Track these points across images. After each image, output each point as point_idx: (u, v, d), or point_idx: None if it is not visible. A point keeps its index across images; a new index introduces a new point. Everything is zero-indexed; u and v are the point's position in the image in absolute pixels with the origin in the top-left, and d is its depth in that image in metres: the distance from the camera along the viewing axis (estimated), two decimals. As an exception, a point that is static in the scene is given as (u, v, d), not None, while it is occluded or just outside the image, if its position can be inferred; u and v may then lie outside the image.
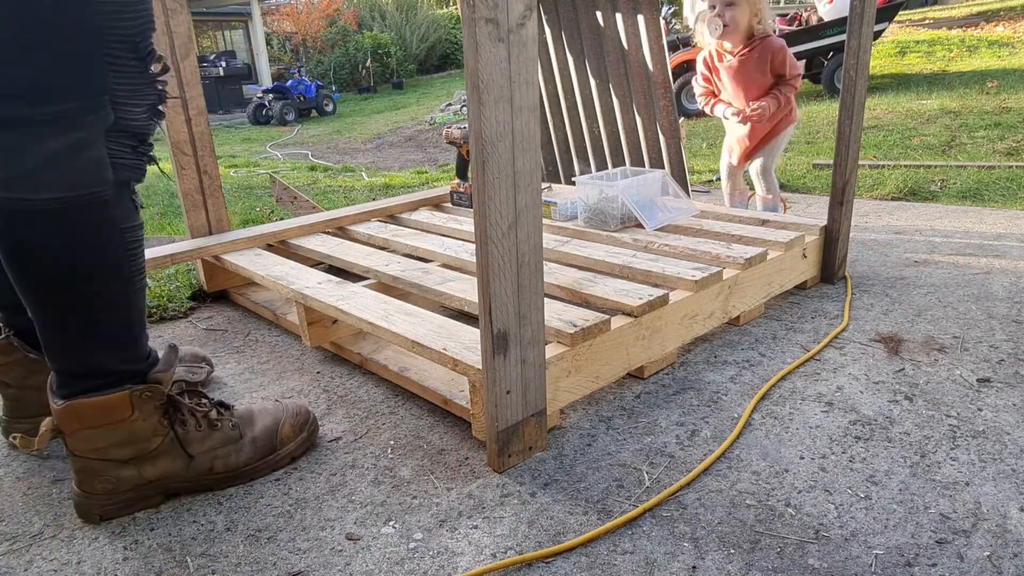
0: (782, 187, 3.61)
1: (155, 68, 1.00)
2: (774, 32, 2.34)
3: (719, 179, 3.83)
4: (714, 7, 2.28)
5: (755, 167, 2.51)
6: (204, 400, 1.22)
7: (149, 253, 1.98)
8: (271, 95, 12.26)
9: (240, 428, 1.24)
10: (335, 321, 1.69)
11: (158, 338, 1.90)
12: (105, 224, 1.00)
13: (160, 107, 1.04)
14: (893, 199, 3.21)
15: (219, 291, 2.19)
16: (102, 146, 0.96)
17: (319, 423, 1.40)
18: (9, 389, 1.33)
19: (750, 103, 2.33)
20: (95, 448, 1.10)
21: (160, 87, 1.02)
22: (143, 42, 0.96)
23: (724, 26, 2.28)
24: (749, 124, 2.39)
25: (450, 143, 2.54)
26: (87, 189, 0.96)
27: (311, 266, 2.07)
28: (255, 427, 1.26)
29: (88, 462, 1.11)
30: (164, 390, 1.13)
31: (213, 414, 1.21)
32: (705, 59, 2.45)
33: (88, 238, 0.99)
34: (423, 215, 2.48)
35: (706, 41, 2.36)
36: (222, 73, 14.44)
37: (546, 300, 1.42)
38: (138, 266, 1.07)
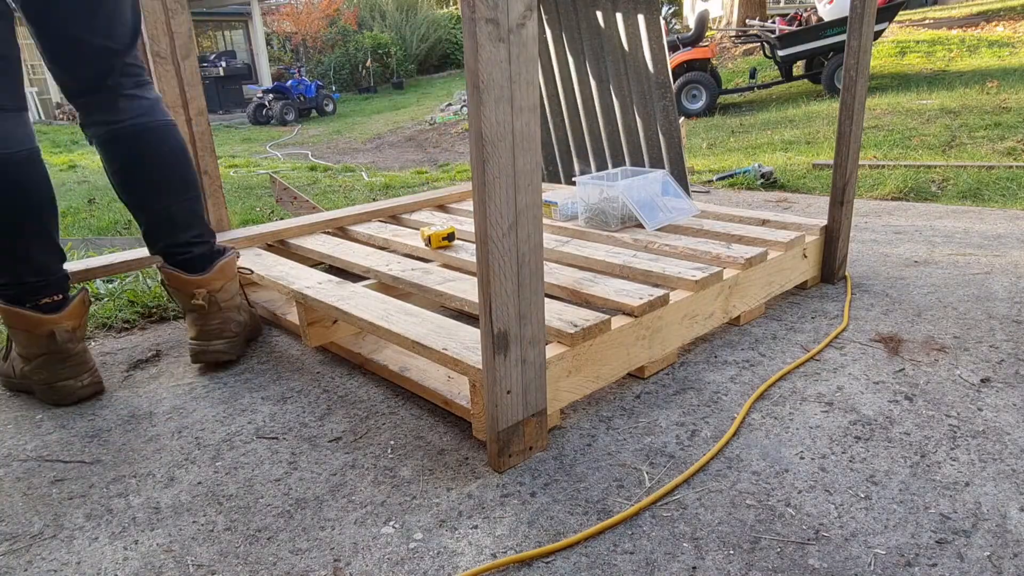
0: (782, 187, 3.61)
1: None
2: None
3: (719, 179, 3.83)
4: None
5: None
6: None
7: (149, 252, 1.98)
8: (271, 95, 12.26)
9: None
10: (335, 321, 1.69)
11: (159, 338, 1.91)
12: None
13: None
14: (893, 199, 3.21)
15: (219, 291, 2.19)
16: None
17: (320, 423, 1.41)
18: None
19: None
20: (231, 296, 1.67)
21: None
22: None
23: None
24: None
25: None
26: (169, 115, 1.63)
27: (311, 266, 2.07)
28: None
29: (228, 313, 1.67)
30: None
31: None
32: None
33: (181, 138, 1.64)
34: (423, 215, 2.48)
35: None
36: (222, 73, 14.45)
37: (546, 300, 1.42)
38: None
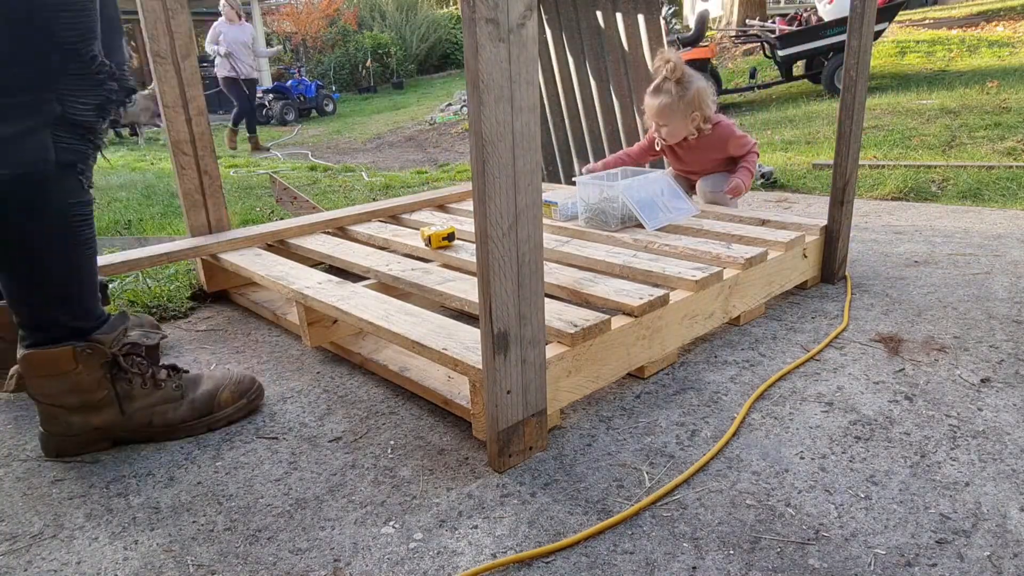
0: (782, 187, 3.61)
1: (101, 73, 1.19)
2: (711, 116, 2.30)
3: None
4: (654, 124, 2.32)
5: (705, 198, 2.44)
6: (143, 360, 1.37)
7: (148, 252, 1.98)
8: (271, 95, 12.26)
9: (183, 389, 1.40)
10: (335, 321, 1.69)
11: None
12: (47, 197, 1.17)
13: (109, 106, 1.21)
14: (893, 199, 3.21)
15: (219, 291, 2.19)
16: (47, 134, 1.14)
17: (320, 423, 1.41)
18: (2, 342, 1.52)
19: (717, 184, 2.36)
20: (48, 394, 1.28)
21: (107, 90, 1.20)
22: (85, 49, 1.14)
23: (664, 141, 2.33)
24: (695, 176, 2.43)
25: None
26: (29, 168, 1.14)
27: (311, 266, 2.07)
28: (197, 390, 1.42)
29: (45, 407, 1.29)
30: (106, 350, 1.29)
31: (162, 374, 1.37)
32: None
33: (31, 207, 1.16)
34: (423, 215, 2.48)
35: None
36: (222, 73, 14.41)
37: (546, 300, 1.42)
38: (85, 236, 1.24)
